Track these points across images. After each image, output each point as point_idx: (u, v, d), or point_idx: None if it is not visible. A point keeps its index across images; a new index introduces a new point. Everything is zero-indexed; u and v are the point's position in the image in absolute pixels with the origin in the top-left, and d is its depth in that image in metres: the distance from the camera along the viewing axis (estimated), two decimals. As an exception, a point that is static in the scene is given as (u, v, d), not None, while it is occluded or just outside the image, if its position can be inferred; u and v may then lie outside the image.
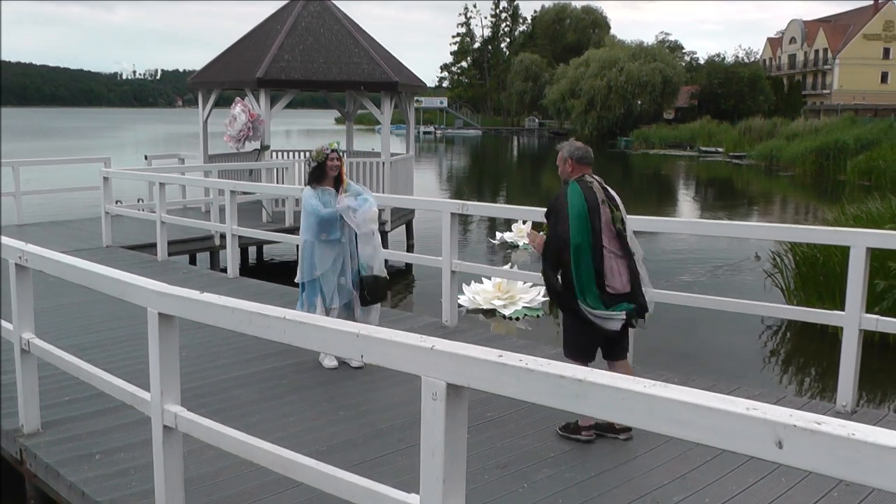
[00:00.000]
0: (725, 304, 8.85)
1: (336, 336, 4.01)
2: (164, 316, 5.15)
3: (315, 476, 4.35)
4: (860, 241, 7.55)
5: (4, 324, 7.41)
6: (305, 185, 9.25)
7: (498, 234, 25.32)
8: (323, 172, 9.09)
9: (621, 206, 7.19)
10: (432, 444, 3.53)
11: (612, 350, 7.22)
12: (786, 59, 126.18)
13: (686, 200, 46.08)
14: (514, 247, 24.26)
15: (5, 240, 7.12)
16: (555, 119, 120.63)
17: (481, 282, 16.86)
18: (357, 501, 4.16)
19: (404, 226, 23.89)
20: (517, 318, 15.85)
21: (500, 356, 3.32)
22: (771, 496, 5.90)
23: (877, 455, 2.37)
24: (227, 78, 22.70)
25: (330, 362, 8.90)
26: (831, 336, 13.05)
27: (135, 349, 9.12)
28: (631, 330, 7.24)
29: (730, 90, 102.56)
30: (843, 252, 11.44)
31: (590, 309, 6.82)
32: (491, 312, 16.01)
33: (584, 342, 7.10)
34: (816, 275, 15.15)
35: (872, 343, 7.57)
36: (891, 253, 12.25)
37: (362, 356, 3.87)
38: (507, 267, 17.47)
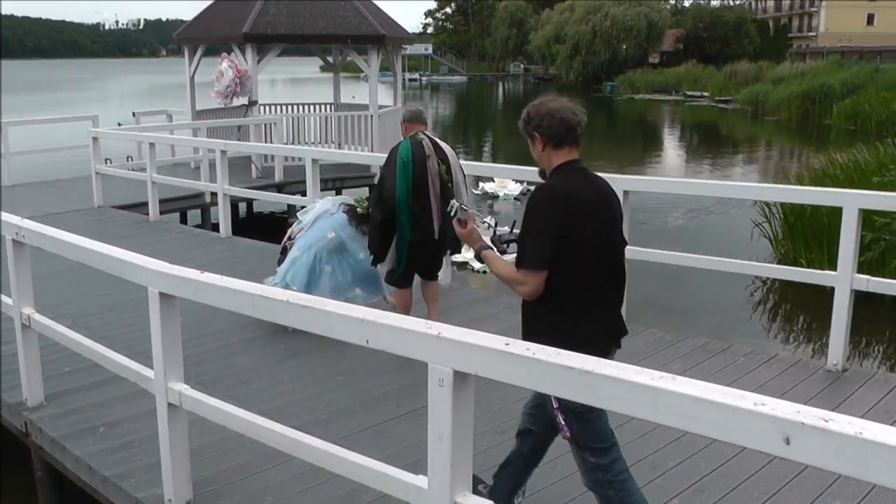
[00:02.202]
0: (719, 263, 8.87)
1: (340, 321, 4.03)
2: (165, 295, 5.18)
3: (323, 457, 4.40)
4: (852, 201, 7.60)
5: (4, 298, 7.43)
6: (347, 214, 9.29)
7: (479, 185, 25.18)
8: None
9: (450, 158, 8.30)
10: (439, 430, 3.57)
11: (431, 273, 8.75)
12: (771, 1, 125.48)
13: (671, 146, 46.02)
14: (495, 197, 24.19)
15: (2, 215, 7.12)
16: (540, 65, 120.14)
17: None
18: (365, 482, 4.23)
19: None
20: (485, 272, 15.68)
21: (507, 344, 3.34)
22: (765, 459, 5.96)
23: (884, 455, 2.40)
24: (212, 34, 22.54)
25: None
26: (819, 285, 13.15)
27: (133, 315, 9.16)
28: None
29: (715, 34, 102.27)
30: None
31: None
32: (463, 265, 15.86)
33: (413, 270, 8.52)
34: (804, 225, 15.20)
35: (859, 292, 7.67)
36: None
37: (368, 341, 3.90)
38: (488, 219, 17.28)
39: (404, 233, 8.12)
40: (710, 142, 47.17)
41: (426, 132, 8.31)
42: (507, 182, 24.29)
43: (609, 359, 3.40)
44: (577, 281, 4.58)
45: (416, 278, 8.65)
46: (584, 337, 4.40)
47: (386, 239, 8.26)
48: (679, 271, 13.27)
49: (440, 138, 8.45)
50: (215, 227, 15.58)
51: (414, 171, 7.96)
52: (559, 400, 4.43)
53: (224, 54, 20.90)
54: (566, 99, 4.89)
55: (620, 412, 3.06)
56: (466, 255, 15.85)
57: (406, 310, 8.36)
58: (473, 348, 3.42)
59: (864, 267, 9.20)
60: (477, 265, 15.56)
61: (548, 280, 4.52)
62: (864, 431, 2.45)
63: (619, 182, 8.91)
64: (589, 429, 4.66)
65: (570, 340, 3.77)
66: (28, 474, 7.31)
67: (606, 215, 4.75)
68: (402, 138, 8.32)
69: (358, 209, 9.22)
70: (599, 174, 5.20)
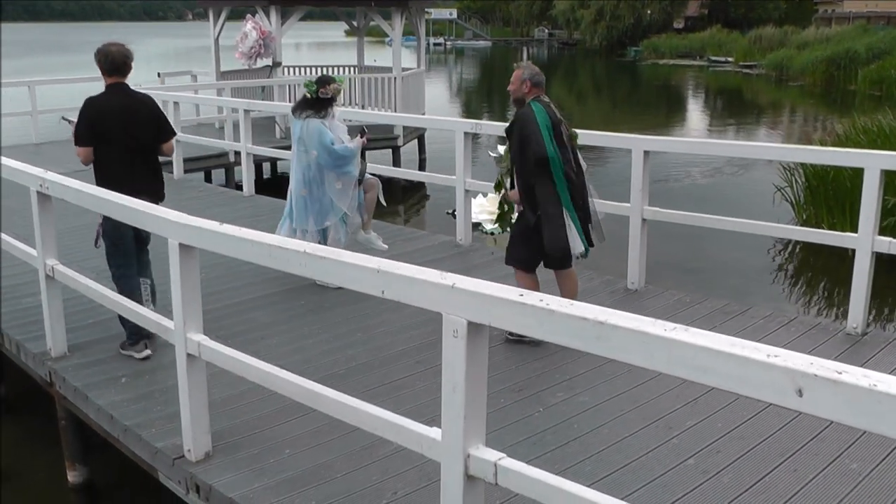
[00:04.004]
0: (738, 224, 8.83)
1: (356, 271, 4.04)
2: (184, 247, 5.22)
3: (338, 407, 4.44)
4: (875, 163, 7.50)
5: (29, 249, 7.53)
6: (304, 113, 9.22)
7: (500, 147, 24.98)
8: (332, 104, 9.22)
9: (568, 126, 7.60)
10: (453, 381, 3.59)
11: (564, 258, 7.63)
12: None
13: (695, 112, 45.79)
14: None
15: (27, 167, 7.23)
16: (564, 30, 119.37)
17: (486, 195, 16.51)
18: (380, 433, 4.25)
19: (416, 140, 23.85)
20: (492, 234, 15.41)
21: (521, 295, 3.34)
22: (782, 420, 5.98)
23: None
24: (236, -5, 22.58)
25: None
26: (840, 250, 13.06)
27: (156, 270, 9.22)
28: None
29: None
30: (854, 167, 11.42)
31: (570, 221, 7.30)
32: (475, 225, 15.68)
33: (531, 252, 7.59)
34: (827, 189, 15.10)
35: (881, 258, 7.62)
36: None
37: (383, 292, 3.91)
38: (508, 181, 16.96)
39: (566, 200, 7.26)
40: (734, 107, 46.87)
41: (546, 96, 7.51)
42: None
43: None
44: (110, 156, 7.43)
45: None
46: (117, 190, 6.37)
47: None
48: (699, 235, 13.26)
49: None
50: (239, 187, 15.62)
51: (555, 135, 7.20)
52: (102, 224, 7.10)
53: (248, 16, 20.92)
54: (123, 45, 7.67)
55: (634, 363, 3.04)
56: (482, 217, 15.81)
57: None
58: (488, 299, 3.43)
59: (886, 232, 9.15)
60: (489, 227, 15.41)
61: (95, 153, 7.40)
62: (879, 384, 2.42)
63: (638, 142, 8.90)
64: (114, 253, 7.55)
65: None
66: (52, 423, 7.42)
67: (129, 118, 7.44)
68: (515, 100, 7.57)
69: (307, 94, 9.20)
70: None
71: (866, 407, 2.44)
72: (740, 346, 2.75)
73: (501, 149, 24.37)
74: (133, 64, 7.68)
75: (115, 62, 7.49)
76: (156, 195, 7.39)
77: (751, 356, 2.69)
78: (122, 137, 7.41)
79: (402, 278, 3.81)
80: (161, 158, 7.98)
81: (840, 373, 2.51)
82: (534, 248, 7.51)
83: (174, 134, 8.15)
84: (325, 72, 25.16)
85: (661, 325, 2.97)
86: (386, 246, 9.70)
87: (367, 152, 9.70)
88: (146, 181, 7.56)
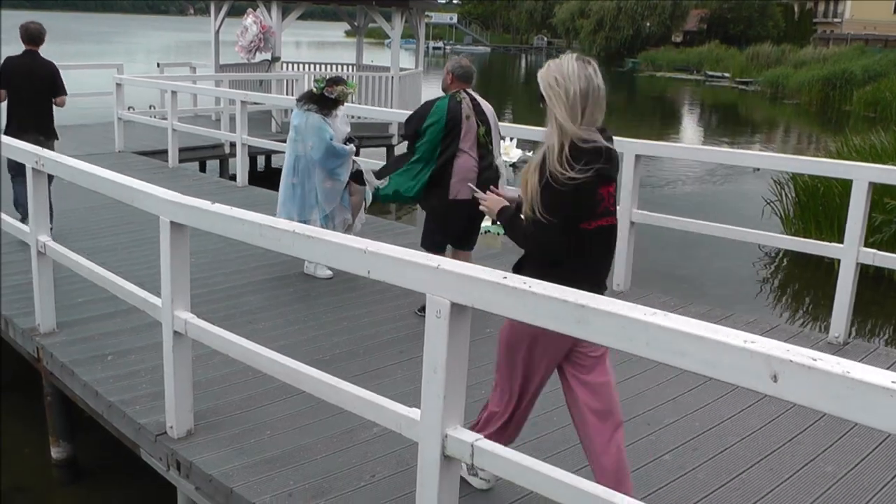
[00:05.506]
0: (725, 231, 8.89)
1: (343, 251, 4.06)
2: (175, 225, 5.26)
3: (319, 386, 4.48)
4: (863, 175, 7.58)
5: (22, 226, 7.57)
6: (306, 105, 9.22)
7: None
8: (335, 105, 9.25)
9: (490, 120, 7.90)
10: (434, 361, 3.62)
11: (460, 241, 8.12)
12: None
13: (690, 125, 45.84)
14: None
15: (23, 145, 7.33)
16: (563, 39, 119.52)
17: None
18: (359, 413, 4.30)
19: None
20: (485, 233, 15.31)
21: (504, 278, 3.38)
22: (761, 422, 6.05)
23: (870, 394, 2.40)
24: (238, -10, 22.59)
25: (323, 272, 9.05)
26: (827, 265, 13.14)
27: (144, 254, 9.32)
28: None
29: (739, 15, 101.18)
30: (844, 183, 11.49)
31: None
32: None
33: (439, 237, 7.97)
34: (816, 204, 15.15)
35: (867, 274, 7.66)
36: (888, 189, 12.24)
37: (369, 272, 3.94)
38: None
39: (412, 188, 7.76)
40: (729, 122, 46.93)
41: (469, 91, 7.85)
42: (511, 148, 24.20)
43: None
44: (15, 99, 10.15)
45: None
46: (17, 126, 10.00)
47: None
48: (689, 245, 13.30)
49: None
50: (233, 178, 15.65)
51: (446, 130, 7.56)
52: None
53: (249, 10, 20.98)
54: (39, 24, 10.54)
55: (613, 347, 3.09)
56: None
57: None
58: (471, 280, 3.46)
59: (873, 248, 9.24)
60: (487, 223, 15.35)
61: (8, 96, 10.14)
62: (851, 371, 2.45)
63: (629, 146, 8.96)
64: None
65: (9, 133, 9.28)
66: (38, 402, 7.46)
67: (33, 75, 10.20)
68: (442, 90, 7.93)
69: (314, 88, 9.20)
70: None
71: (839, 392, 2.47)
72: (718, 331, 2.78)
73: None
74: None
75: (31, 34, 10.46)
76: (47, 134, 10.32)
77: (727, 341, 2.71)
78: (26, 87, 10.23)
79: (387, 258, 3.83)
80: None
81: (815, 360, 2.53)
82: (443, 228, 7.94)
83: (66, 93, 10.71)
84: (322, 68, 25.28)
85: (640, 309, 3.02)
86: None
87: (363, 150, 9.75)
88: (40, 122, 10.33)
